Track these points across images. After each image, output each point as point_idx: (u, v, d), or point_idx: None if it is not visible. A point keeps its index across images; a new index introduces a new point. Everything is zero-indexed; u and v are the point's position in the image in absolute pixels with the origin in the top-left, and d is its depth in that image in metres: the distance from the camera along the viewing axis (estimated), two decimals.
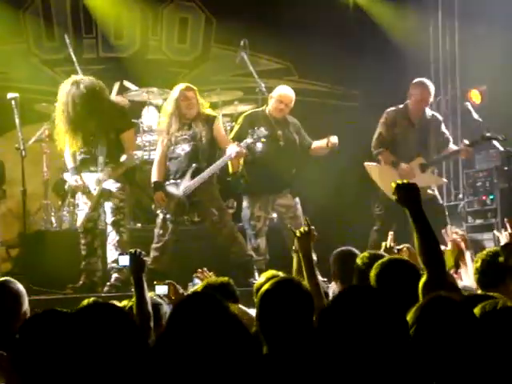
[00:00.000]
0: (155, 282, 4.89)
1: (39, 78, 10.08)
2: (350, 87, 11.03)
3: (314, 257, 7.61)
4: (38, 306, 4.33)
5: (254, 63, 9.08)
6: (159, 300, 4.54)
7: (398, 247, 5.17)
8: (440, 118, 8.44)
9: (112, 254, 7.27)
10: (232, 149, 7.51)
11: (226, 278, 4.59)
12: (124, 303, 4.55)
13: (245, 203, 8.01)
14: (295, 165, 8.04)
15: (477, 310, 2.88)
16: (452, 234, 5.24)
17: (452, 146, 8.41)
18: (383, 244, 5.53)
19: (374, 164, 8.24)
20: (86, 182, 7.37)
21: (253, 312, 3.96)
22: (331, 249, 5.23)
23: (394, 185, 3.67)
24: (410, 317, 2.72)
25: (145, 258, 4.54)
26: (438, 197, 8.49)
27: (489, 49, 9.51)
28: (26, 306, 3.99)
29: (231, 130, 8.39)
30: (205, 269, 5.39)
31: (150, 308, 4.26)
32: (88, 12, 10.46)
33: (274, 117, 7.95)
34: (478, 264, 4.32)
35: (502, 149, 8.47)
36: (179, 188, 7.62)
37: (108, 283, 7.29)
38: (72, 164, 7.46)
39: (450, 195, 10.51)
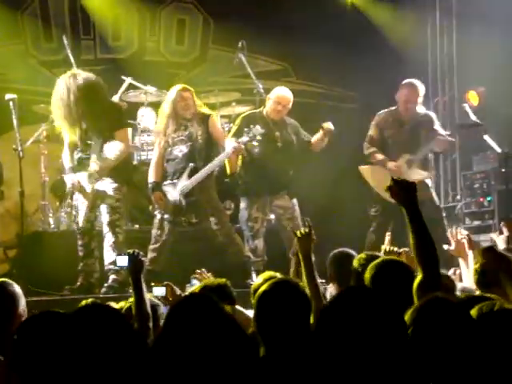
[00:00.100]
0: (153, 284, 4.88)
1: (37, 79, 10.07)
2: (347, 88, 11.03)
3: (312, 258, 7.67)
4: (35, 307, 4.33)
5: (251, 64, 9.07)
6: (156, 301, 4.54)
7: (398, 251, 5.16)
8: (433, 115, 8.42)
9: (109, 255, 7.27)
10: (229, 146, 7.52)
11: (223, 280, 4.59)
12: (121, 304, 4.55)
13: (242, 204, 8.01)
14: (293, 166, 8.05)
15: (474, 312, 2.88)
16: (457, 234, 5.24)
17: None
18: (383, 247, 5.53)
19: (367, 166, 8.28)
20: (81, 181, 7.37)
21: (250, 313, 3.96)
22: (328, 250, 5.23)
23: (390, 182, 3.67)
24: (406, 318, 2.72)
25: (143, 259, 4.54)
26: (436, 198, 8.49)
27: (487, 50, 9.51)
28: (22, 307, 3.98)
29: (229, 131, 8.39)
30: (203, 270, 5.39)
31: (148, 308, 4.26)
32: (86, 13, 10.46)
33: (272, 118, 7.95)
34: (477, 265, 4.32)
35: (499, 150, 8.48)
36: (176, 188, 7.63)
37: (105, 284, 7.29)
38: (69, 164, 7.47)
39: (447, 197, 10.52)
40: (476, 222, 9.24)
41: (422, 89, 8.26)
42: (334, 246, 5.37)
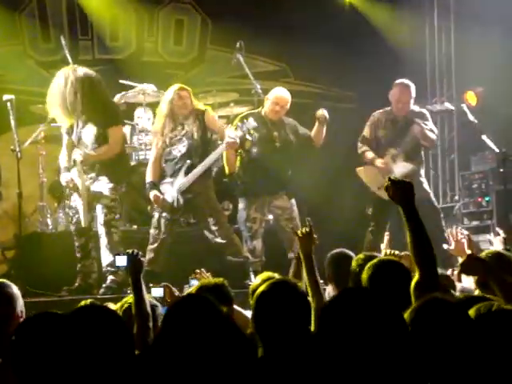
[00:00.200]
0: (151, 285, 4.88)
1: (35, 80, 10.06)
2: (345, 89, 11.03)
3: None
4: (33, 308, 4.31)
5: (249, 65, 9.08)
6: (154, 302, 4.53)
7: (399, 254, 5.15)
8: (425, 112, 8.41)
9: (106, 256, 7.27)
10: (225, 142, 7.53)
11: (220, 279, 4.58)
12: (117, 306, 4.54)
13: (241, 205, 8.00)
14: (291, 166, 8.04)
15: (472, 312, 2.88)
16: (457, 234, 5.25)
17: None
18: (382, 247, 5.54)
19: (362, 167, 8.31)
20: (74, 178, 7.38)
21: (249, 313, 3.96)
22: (326, 251, 5.22)
23: (387, 182, 3.67)
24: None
25: (142, 259, 4.54)
26: (433, 198, 8.50)
27: (485, 50, 9.51)
28: (19, 308, 3.98)
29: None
30: (203, 270, 5.38)
31: (148, 308, 4.26)
32: (84, 14, 10.46)
33: (270, 118, 7.95)
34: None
35: (497, 150, 8.48)
36: (174, 186, 7.62)
37: (103, 285, 7.28)
38: (65, 164, 7.47)
39: (445, 197, 10.53)
40: (474, 222, 9.25)
41: (413, 88, 8.27)
42: (331, 246, 5.36)
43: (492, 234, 5.61)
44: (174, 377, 2.65)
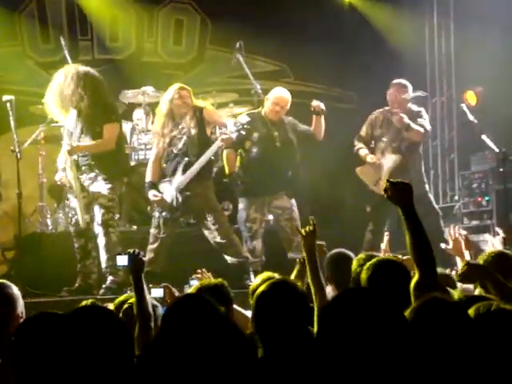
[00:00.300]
0: (151, 285, 4.87)
1: (34, 80, 10.05)
2: (345, 89, 11.04)
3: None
4: (33, 308, 4.31)
5: (249, 65, 9.07)
6: (154, 302, 4.53)
7: (402, 258, 5.14)
8: (422, 111, 8.41)
9: (104, 255, 7.27)
10: (220, 139, 7.53)
11: (219, 280, 4.57)
12: (112, 306, 4.55)
13: (241, 205, 8.00)
14: (292, 166, 8.03)
15: (471, 312, 2.88)
16: (455, 233, 5.24)
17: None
18: (383, 250, 5.53)
19: (360, 167, 8.36)
20: (68, 176, 7.39)
21: (249, 313, 3.95)
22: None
23: (386, 183, 3.67)
24: None
25: (143, 259, 4.54)
26: (432, 198, 8.50)
27: (485, 50, 9.51)
28: (19, 309, 3.97)
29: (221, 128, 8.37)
30: (204, 270, 5.37)
31: (150, 308, 4.26)
32: (83, 14, 10.47)
33: (270, 118, 7.94)
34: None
35: (497, 150, 8.48)
36: (172, 184, 7.61)
37: (103, 285, 7.28)
38: (63, 165, 7.47)
39: (445, 197, 10.53)
40: (474, 222, 9.24)
41: (410, 88, 8.27)
42: (331, 247, 5.36)
43: (488, 234, 5.60)
44: (173, 378, 2.65)
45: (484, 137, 8.46)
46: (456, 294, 4.04)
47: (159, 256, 7.57)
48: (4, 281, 4.18)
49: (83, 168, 7.40)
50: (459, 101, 9.72)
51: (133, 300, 4.45)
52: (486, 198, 9.11)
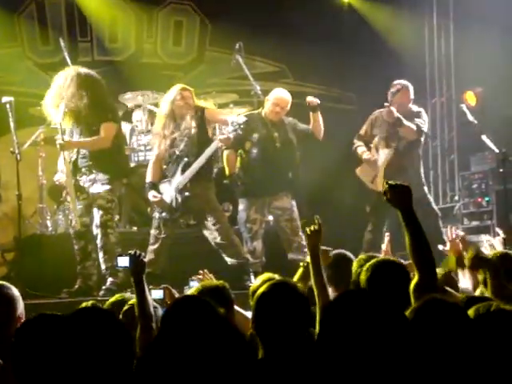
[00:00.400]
0: (151, 287, 4.87)
1: (34, 82, 10.05)
2: (345, 89, 11.04)
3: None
4: (33, 310, 4.31)
5: (249, 66, 9.06)
6: (154, 303, 4.53)
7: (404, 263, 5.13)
8: (422, 112, 8.41)
9: (103, 257, 7.26)
10: (218, 140, 7.53)
11: (221, 282, 4.56)
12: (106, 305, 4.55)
13: (241, 206, 8.00)
14: (292, 167, 8.02)
15: (471, 312, 2.88)
16: (452, 234, 5.24)
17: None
18: (383, 248, 5.52)
19: (359, 167, 8.36)
20: (65, 174, 7.39)
21: (249, 314, 3.94)
22: None
23: (385, 186, 3.67)
24: None
25: (144, 260, 4.54)
26: (431, 199, 8.50)
27: (484, 50, 9.52)
28: (20, 310, 3.97)
29: (221, 127, 8.37)
30: (206, 271, 5.36)
31: (151, 309, 4.26)
32: (83, 15, 10.47)
33: (270, 119, 7.94)
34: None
35: (497, 151, 8.48)
36: (172, 184, 7.60)
37: (103, 287, 7.27)
38: (62, 167, 7.48)
39: (445, 197, 10.53)
40: (474, 223, 9.25)
41: (411, 89, 8.28)
42: (332, 247, 5.35)
43: (484, 235, 5.60)
44: (171, 379, 2.64)
45: (484, 137, 8.46)
46: (457, 294, 4.05)
47: (159, 257, 7.56)
48: (4, 282, 4.17)
49: (83, 170, 7.39)
50: (459, 101, 9.72)
51: (133, 301, 4.45)
52: (486, 199, 9.12)
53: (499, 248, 5.20)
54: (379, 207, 7.90)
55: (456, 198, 10.15)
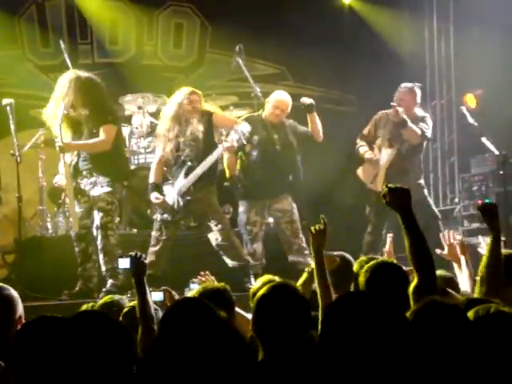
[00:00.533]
0: (151, 289, 4.87)
1: (34, 84, 10.07)
2: (345, 92, 11.04)
3: (311, 261, 7.65)
4: (34, 312, 4.30)
5: (249, 68, 9.07)
6: (155, 305, 4.53)
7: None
8: (424, 115, 8.41)
9: (103, 259, 7.26)
10: (222, 146, 7.51)
11: (222, 284, 4.55)
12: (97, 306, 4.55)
13: (241, 208, 8.00)
14: (292, 169, 8.02)
15: (470, 314, 2.89)
16: (449, 238, 5.24)
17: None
18: (385, 250, 5.51)
19: (360, 167, 8.36)
20: (64, 176, 7.38)
21: (250, 317, 3.94)
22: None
23: (385, 189, 3.68)
24: None
25: (145, 261, 4.54)
26: (432, 202, 8.50)
27: (484, 53, 9.53)
28: (19, 311, 3.97)
29: (227, 134, 8.36)
30: (207, 272, 5.36)
31: (152, 310, 4.26)
32: (83, 18, 10.48)
33: (271, 121, 7.94)
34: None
35: (497, 153, 8.49)
36: (174, 187, 7.59)
37: (104, 289, 7.26)
38: (63, 171, 7.46)
39: (445, 199, 10.53)
40: (474, 225, 9.24)
41: (418, 93, 8.28)
42: (329, 249, 5.34)
43: (481, 236, 5.59)
44: (170, 381, 2.64)
45: (484, 139, 8.46)
46: (458, 296, 4.05)
47: (160, 259, 7.55)
48: (2, 284, 4.17)
49: (84, 172, 7.38)
50: (459, 103, 9.73)
51: (133, 303, 4.45)
52: (486, 201, 9.10)
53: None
54: (379, 208, 7.90)
55: (456, 200, 10.15)
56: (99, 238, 7.27)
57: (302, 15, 10.37)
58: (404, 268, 4.60)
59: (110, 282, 7.24)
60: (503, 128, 9.09)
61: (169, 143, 7.61)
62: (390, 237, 5.78)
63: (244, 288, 6.98)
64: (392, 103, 8.19)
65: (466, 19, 10.11)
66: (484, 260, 4.01)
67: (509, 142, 8.79)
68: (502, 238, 5.39)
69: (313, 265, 4.32)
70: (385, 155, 8.18)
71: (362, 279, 3.91)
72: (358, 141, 8.42)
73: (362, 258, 4.57)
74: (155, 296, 4.77)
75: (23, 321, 3.91)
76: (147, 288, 4.34)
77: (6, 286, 4.12)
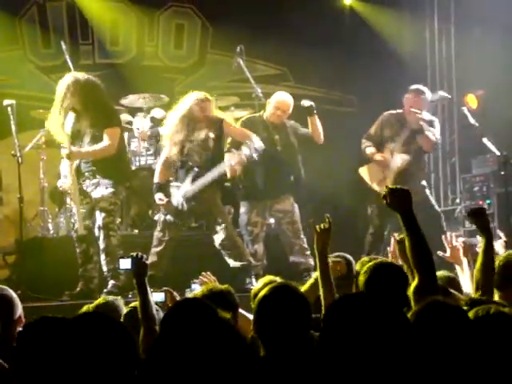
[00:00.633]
0: (152, 290, 4.87)
1: (35, 85, 10.08)
2: (346, 92, 11.04)
3: (312, 262, 7.66)
4: (35, 313, 4.31)
5: (250, 69, 9.08)
6: (156, 306, 4.53)
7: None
8: (432, 119, 8.40)
9: (104, 259, 7.26)
10: (233, 158, 7.47)
11: (226, 286, 4.54)
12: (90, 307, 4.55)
13: (242, 209, 8.00)
14: (293, 170, 8.01)
15: (471, 315, 2.89)
16: (451, 240, 5.23)
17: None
18: (389, 250, 5.51)
19: (363, 166, 8.33)
20: (68, 180, 7.35)
21: (251, 317, 3.94)
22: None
23: (385, 191, 3.68)
24: None
25: (146, 262, 4.54)
26: (434, 202, 8.50)
27: (485, 53, 9.53)
28: (18, 312, 3.97)
29: (238, 146, 8.30)
30: (208, 273, 5.35)
31: (154, 311, 4.26)
32: (84, 18, 10.48)
33: (272, 122, 7.94)
34: (495, 265, 4.29)
35: (498, 153, 8.49)
36: (180, 190, 7.56)
37: (105, 290, 7.26)
38: (65, 173, 7.43)
39: (447, 200, 10.53)
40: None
41: (428, 95, 8.25)
42: (333, 249, 5.35)
43: (479, 236, 5.58)
44: (171, 382, 2.64)
45: (485, 140, 8.47)
46: (461, 296, 4.05)
47: (162, 260, 7.54)
48: (0, 285, 4.18)
49: (86, 174, 7.37)
50: (460, 104, 9.73)
51: (135, 304, 4.45)
52: (488, 202, 9.11)
53: (501, 251, 5.19)
54: (383, 210, 7.88)
55: (457, 200, 10.15)
56: (101, 238, 7.27)
57: (302, 16, 10.37)
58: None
59: (111, 282, 7.24)
60: (504, 128, 9.09)
61: (174, 146, 7.56)
62: (394, 237, 5.78)
63: (245, 289, 6.97)
64: (413, 109, 8.11)
65: (466, 20, 10.11)
66: (478, 263, 4.02)
67: (510, 142, 8.79)
68: (504, 239, 5.40)
69: (317, 264, 4.32)
70: (399, 160, 8.10)
71: (361, 279, 3.91)
72: (364, 140, 8.36)
73: (364, 258, 4.57)
74: (156, 297, 4.77)
75: (23, 321, 3.92)
76: (148, 289, 4.34)
77: (3, 286, 4.14)
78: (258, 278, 6.84)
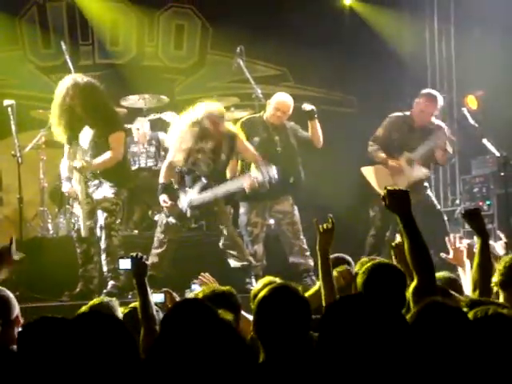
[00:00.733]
0: (151, 291, 4.87)
1: (35, 85, 10.08)
2: (346, 93, 11.04)
3: (312, 262, 7.67)
4: (34, 313, 4.31)
5: (250, 69, 9.08)
6: (155, 307, 4.53)
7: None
8: (443, 126, 8.37)
9: (105, 260, 7.25)
10: (245, 180, 7.44)
11: (228, 288, 4.53)
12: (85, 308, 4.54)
13: (242, 209, 8.00)
14: (293, 171, 8.01)
15: (470, 316, 2.89)
16: (455, 242, 5.23)
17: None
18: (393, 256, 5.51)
19: (369, 166, 8.28)
20: (76, 188, 7.33)
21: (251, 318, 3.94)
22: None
23: (384, 192, 3.68)
24: None
25: (146, 262, 4.54)
26: (435, 201, 8.49)
27: (485, 54, 9.53)
28: (16, 312, 3.98)
29: (249, 167, 8.27)
30: (207, 274, 5.35)
31: (154, 311, 4.26)
32: (84, 19, 10.48)
33: (272, 123, 7.94)
34: (501, 266, 4.28)
35: (498, 154, 8.48)
36: (186, 196, 7.53)
37: (104, 290, 7.25)
38: (66, 173, 7.41)
39: (446, 201, 10.53)
40: None
41: (440, 100, 8.23)
42: (334, 250, 5.35)
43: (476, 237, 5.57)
44: (171, 382, 2.64)
45: (485, 141, 8.46)
46: (461, 298, 4.04)
47: (163, 261, 7.53)
48: None
49: (88, 176, 7.36)
50: (460, 105, 9.73)
51: (134, 304, 4.45)
52: (487, 203, 9.11)
53: (501, 252, 5.19)
54: (386, 212, 7.84)
55: (457, 201, 10.15)
56: (103, 238, 7.26)
57: (302, 16, 10.37)
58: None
59: (110, 283, 7.24)
60: (504, 129, 9.09)
61: (179, 153, 7.50)
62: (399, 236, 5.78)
63: (245, 289, 6.97)
64: (440, 123, 8.09)
65: (466, 20, 10.11)
66: (474, 264, 4.03)
67: (510, 143, 8.79)
68: (504, 240, 5.40)
69: (319, 264, 4.33)
70: (420, 173, 8.04)
71: (359, 280, 3.91)
72: (371, 143, 8.26)
73: (364, 258, 4.57)
74: (156, 297, 4.77)
75: (20, 321, 3.93)
76: (148, 289, 4.34)
77: (0, 287, 4.14)
78: (257, 278, 6.84)
